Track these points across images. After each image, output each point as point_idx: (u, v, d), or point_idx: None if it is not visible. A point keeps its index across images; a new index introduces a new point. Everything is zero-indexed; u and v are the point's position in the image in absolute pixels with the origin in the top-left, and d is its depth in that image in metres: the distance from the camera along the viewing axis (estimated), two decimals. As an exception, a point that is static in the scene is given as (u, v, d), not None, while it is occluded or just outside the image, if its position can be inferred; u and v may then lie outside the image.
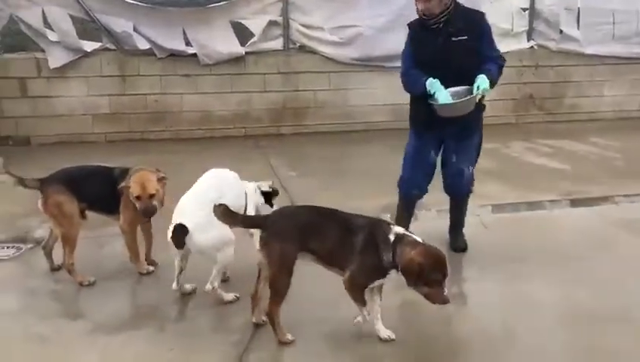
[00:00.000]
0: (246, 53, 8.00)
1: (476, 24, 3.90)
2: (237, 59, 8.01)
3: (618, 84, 9.29)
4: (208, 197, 3.32)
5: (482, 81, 3.70)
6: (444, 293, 2.81)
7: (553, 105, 9.16)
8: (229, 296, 3.51)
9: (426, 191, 4.27)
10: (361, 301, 2.99)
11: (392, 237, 2.90)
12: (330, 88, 8.48)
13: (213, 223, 3.15)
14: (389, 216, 5.07)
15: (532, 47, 8.85)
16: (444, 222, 4.46)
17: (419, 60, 3.90)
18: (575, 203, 5.37)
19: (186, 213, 3.40)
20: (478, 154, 4.22)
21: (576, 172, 6.40)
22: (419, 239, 2.93)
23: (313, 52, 8.26)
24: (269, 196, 3.94)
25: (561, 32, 8.81)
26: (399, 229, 2.98)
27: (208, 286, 3.43)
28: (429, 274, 2.77)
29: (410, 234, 2.98)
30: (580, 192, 5.59)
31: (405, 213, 4.34)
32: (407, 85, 3.99)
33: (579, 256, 4.19)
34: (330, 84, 8.46)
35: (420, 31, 3.93)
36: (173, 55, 7.82)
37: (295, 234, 2.97)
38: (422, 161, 4.12)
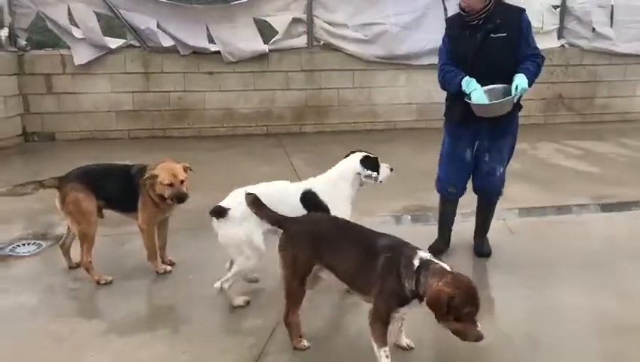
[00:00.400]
0: (269, 50, 7.97)
1: (516, 21, 3.77)
2: (260, 57, 7.97)
3: (652, 84, 9.01)
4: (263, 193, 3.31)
5: (521, 80, 3.60)
6: (478, 328, 2.46)
7: (583, 105, 8.92)
8: (239, 301, 3.44)
9: (464, 190, 4.14)
10: (381, 340, 2.65)
11: (416, 263, 2.55)
12: (354, 86, 8.39)
13: (249, 221, 3.19)
14: (409, 217, 5.04)
15: (562, 45, 8.62)
16: (468, 225, 4.33)
17: (456, 57, 3.80)
18: (605, 207, 5.19)
19: (236, 198, 3.36)
20: (510, 155, 4.09)
21: (606, 175, 6.20)
22: (446, 266, 2.55)
23: (337, 50, 8.19)
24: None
25: (593, 30, 8.56)
26: (424, 254, 2.60)
27: (217, 285, 3.36)
28: (460, 308, 2.40)
29: (436, 261, 2.59)
30: (609, 196, 5.41)
31: (444, 214, 4.23)
32: (443, 82, 3.88)
33: (607, 263, 4.03)
34: (353, 82, 8.37)
35: (458, 27, 3.81)
36: (197, 52, 7.82)
37: (311, 243, 2.82)
38: (456, 158, 4.00)
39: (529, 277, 3.81)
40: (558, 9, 8.52)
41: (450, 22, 3.93)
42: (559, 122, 8.84)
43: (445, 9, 7.80)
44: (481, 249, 4.21)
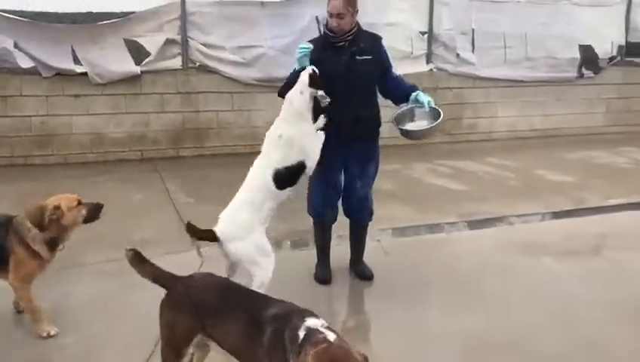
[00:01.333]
0: (142, 72, 7.61)
1: (377, 45, 3.93)
2: (132, 79, 7.60)
3: (511, 106, 9.74)
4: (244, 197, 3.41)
5: (424, 96, 3.76)
6: None
7: (453, 125, 9.41)
8: None
9: (337, 212, 4.16)
10: None
11: (301, 334, 2.17)
12: (233, 109, 8.25)
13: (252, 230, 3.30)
14: (289, 243, 4.97)
15: (431, 69, 9.08)
16: (340, 248, 4.34)
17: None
18: (472, 224, 5.45)
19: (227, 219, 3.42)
20: (374, 178, 4.17)
21: (475, 192, 6.55)
22: (331, 335, 2.12)
23: (214, 72, 8.01)
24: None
25: (457, 55, 9.12)
26: (313, 322, 2.20)
27: None
28: None
29: (324, 329, 2.16)
30: (477, 213, 5.70)
31: (323, 240, 4.21)
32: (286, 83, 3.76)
33: (476, 281, 4.21)
34: (232, 105, 8.22)
35: (322, 49, 3.81)
36: (61, 74, 7.29)
37: (193, 310, 2.46)
38: (330, 183, 4.01)
39: (403, 301, 3.87)
40: (426, 35, 8.99)
41: (313, 44, 3.89)
42: (432, 142, 9.25)
43: (321, 32, 7.92)
44: (362, 272, 4.25)
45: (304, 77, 3.58)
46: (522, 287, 4.15)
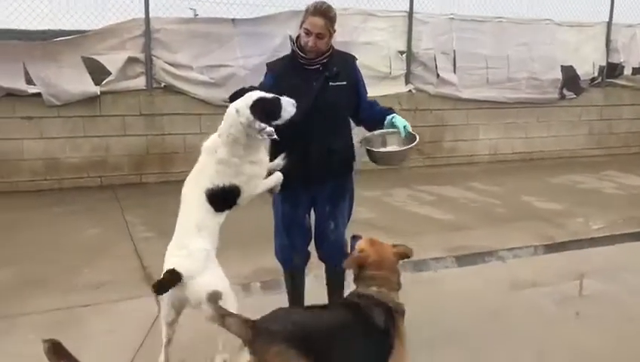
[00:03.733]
0: (101, 92, 7.06)
1: (352, 69, 3.43)
2: (91, 100, 7.05)
3: (493, 128, 9.42)
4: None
5: (400, 120, 3.35)
6: None
7: (433, 149, 9.05)
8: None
9: (308, 257, 3.65)
10: None
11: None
12: (202, 132, 7.70)
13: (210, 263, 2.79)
14: (258, 284, 4.45)
15: (410, 90, 8.70)
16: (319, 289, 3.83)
17: None
18: (460, 260, 5.00)
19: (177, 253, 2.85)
20: (350, 215, 3.68)
21: (459, 222, 6.11)
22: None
23: (181, 92, 7.50)
24: None
25: (438, 75, 8.77)
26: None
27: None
28: None
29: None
30: (464, 247, 5.25)
31: (294, 288, 3.66)
32: None
33: (467, 329, 3.73)
34: (201, 128, 7.69)
35: (290, 72, 3.28)
36: (11, 94, 6.69)
37: None
38: (297, 226, 3.48)
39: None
40: (405, 54, 8.63)
41: (277, 66, 3.36)
42: (411, 166, 8.87)
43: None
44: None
45: (248, 99, 2.83)
46: (520, 335, 3.69)
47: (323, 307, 2.55)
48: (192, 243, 2.83)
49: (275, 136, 2.82)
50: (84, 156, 7.18)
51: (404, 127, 3.32)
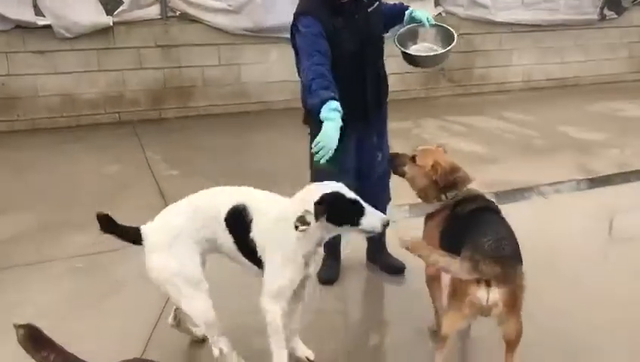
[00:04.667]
0: (114, 23, 6.69)
1: None
2: (104, 31, 6.69)
3: (526, 53, 8.89)
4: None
5: (421, 12, 3.22)
6: None
7: (463, 76, 8.61)
8: None
9: None
10: None
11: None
12: (220, 63, 7.38)
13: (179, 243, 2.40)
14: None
15: (440, 13, 8.15)
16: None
17: (339, 54, 2.87)
18: (499, 197, 4.72)
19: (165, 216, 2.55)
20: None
21: (496, 155, 5.81)
22: None
23: (197, 21, 7.09)
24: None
25: (468, -4, 8.19)
26: None
27: (215, 352, 2.48)
28: None
29: None
30: (501, 183, 4.96)
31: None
32: (310, 90, 2.70)
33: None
34: (219, 59, 7.35)
35: (330, 13, 2.88)
36: (21, 27, 6.37)
37: None
38: (344, 167, 3.10)
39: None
40: (434, -25, 8.03)
41: (312, 8, 2.89)
42: (441, 95, 8.46)
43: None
44: (390, 264, 3.57)
45: (311, 204, 2.26)
46: (570, 281, 3.47)
47: (490, 220, 2.51)
48: (172, 220, 2.51)
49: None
50: (101, 91, 6.91)
51: (427, 19, 3.20)
